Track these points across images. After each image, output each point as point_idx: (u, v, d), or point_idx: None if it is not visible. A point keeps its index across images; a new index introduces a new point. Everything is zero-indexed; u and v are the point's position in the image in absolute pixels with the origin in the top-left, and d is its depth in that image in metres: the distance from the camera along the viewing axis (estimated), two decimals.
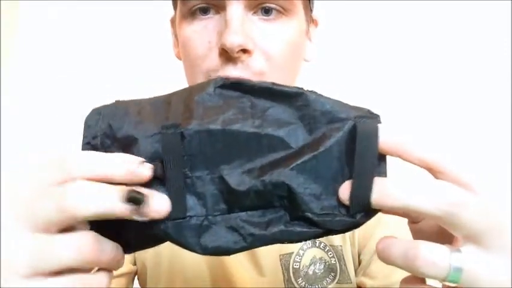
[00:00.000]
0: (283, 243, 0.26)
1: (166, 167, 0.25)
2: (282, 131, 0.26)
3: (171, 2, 0.51)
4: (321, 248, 0.51)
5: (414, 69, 1.11)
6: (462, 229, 0.24)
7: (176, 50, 0.52)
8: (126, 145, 0.27)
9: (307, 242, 0.52)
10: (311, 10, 0.49)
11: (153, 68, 1.17)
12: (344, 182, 0.26)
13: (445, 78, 1.09)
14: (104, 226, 0.25)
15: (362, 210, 0.25)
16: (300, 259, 0.51)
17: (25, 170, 0.26)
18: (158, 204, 0.25)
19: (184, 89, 0.29)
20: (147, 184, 0.25)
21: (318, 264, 0.51)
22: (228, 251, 0.26)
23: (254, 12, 0.42)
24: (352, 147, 0.25)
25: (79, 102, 1.22)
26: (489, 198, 0.25)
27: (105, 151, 0.26)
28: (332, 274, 0.50)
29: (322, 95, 0.27)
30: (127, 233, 0.27)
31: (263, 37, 0.42)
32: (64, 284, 0.24)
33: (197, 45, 0.43)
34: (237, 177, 0.26)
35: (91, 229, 0.25)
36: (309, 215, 0.25)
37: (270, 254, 0.52)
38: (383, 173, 0.25)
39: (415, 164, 0.26)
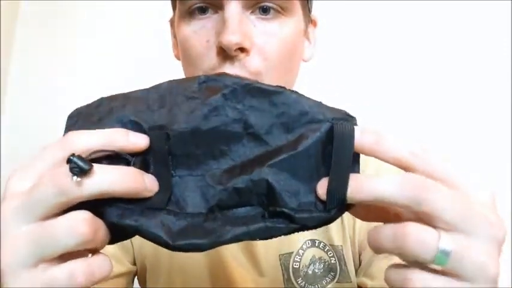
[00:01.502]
0: (258, 239, 0.27)
1: (154, 163, 0.27)
2: (262, 130, 0.27)
3: (169, 2, 0.51)
4: (320, 248, 0.52)
5: (414, 69, 1.11)
6: (437, 218, 0.24)
7: (176, 50, 0.52)
8: None
9: (307, 241, 0.52)
10: (309, 10, 0.49)
11: (153, 67, 1.17)
12: (321, 180, 0.27)
13: (444, 77, 1.09)
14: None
15: (337, 205, 0.26)
16: (300, 259, 0.51)
17: (24, 162, 0.26)
18: (151, 182, 0.26)
19: (170, 84, 0.30)
20: None
21: (317, 264, 0.51)
22: (200, 248, 0.26)
23: (252, 12, 0.42)
24: (329, 148, 0.26)
25: (79, 102, 1.22)
26: (468, 191, 0.25)
27: None
28: (332, 274, 0.50)
29: (302, 95, 0.28)
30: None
31: (261, 36, 0.42)
32: (71, 270, 0.24)
33: (195, 44, 0.43)
34: (217, 177, 0.27)
35: None
36: (287, 210, 0.26)
37: (269, 253, 0.52)
38: (357, 172, 0.27)
39: (390, 163, 0.26)
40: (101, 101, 0.30)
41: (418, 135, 1.06)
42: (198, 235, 0.26)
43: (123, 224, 0.26)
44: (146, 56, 1.17)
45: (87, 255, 0.26)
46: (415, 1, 1.11)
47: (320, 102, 0.28)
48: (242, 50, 0.40)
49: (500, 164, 1.06)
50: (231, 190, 0.26)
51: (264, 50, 0.42)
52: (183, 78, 0.30)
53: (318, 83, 0.99)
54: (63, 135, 0.28)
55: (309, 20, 0.50)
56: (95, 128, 0.27)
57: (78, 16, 1.26)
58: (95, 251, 0.26)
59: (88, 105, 0.30)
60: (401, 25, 1.12)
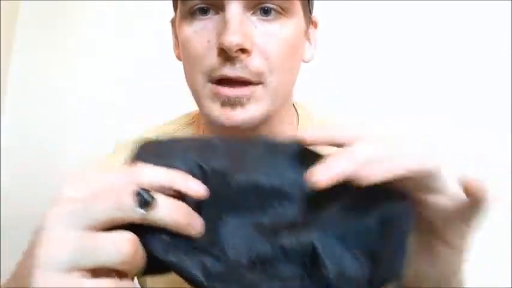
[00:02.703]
0: None
1: (207, 204, 0.27)
2: (318, 197, 0.27)
3: (170, 2, 0.51)
4: None
5: (414, 69, 1.11)
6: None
7: (177, 51, 0.52)
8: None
9: None
10: (310, 11, 0.49)
11: (153, 67, 1.17)
12: (366, 252, 0.26)
13: (444, 77, 1.09)
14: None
15: (383, 285, 0.26)
16: None
17: (83, 172, 0.27)
18: (198, 222, 0.27)
19: (231, 134, 0.30)
20: None
21: None
22: None
23: (253, 13, 0.42)
24: (384, 225, 0.26)
25: (78, 102, 1.22)
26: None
27: None
28: None
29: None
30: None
31: (262, 37, 0.42)
32: (101, 285, 0.24)
33: (196, 44, 0.43)
34: (264, 229, 0.27)
35: None
36: (328, 278, 0.26)
37: None
38: (408, 252, 0.26)
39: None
40: (172, 139, 0.31)
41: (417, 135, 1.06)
42: (234, 283, 0.26)
43: (166, 260, 0.26)
44: (146, 56, 1.17)
45: (114, 278, 0.26)
46: (414, 1, 1.11)
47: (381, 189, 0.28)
48: (243, 51, 0.40)
49: (501, 164, 1.06)
50: (276, 246, 0.26)
51: (265, 50, 0.42)
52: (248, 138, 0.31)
53: (317, 83, 0.99)
54: (131, 161, 0.29)
55: (309, 21, 0.50)
56: (162, 165, 0.28)
57: (78, 16, 1.26)
58: (124, 276, 0.26)
59: (159, 141, 0.31)
60: (401, 26, 1.12)
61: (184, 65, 0.47)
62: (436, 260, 0.32)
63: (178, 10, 0.46)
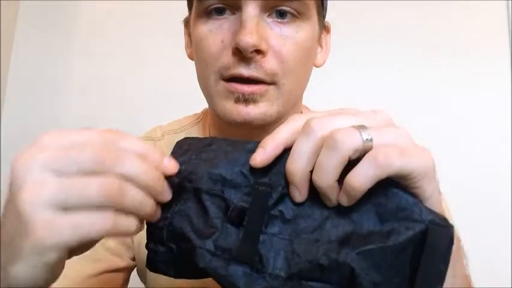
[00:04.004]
0: None
1: (250, 215, 0.28)
2: (355, 211, 0.27)
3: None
4: None
5: (414, 70, 1.11)
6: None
7: (189, 50, 0.52)
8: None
9: None
10: (324, 16, 0.50)
11: (153, 67, 1.17)
12: (404, 280, 0.26)
13: (444, 77, 1.10)
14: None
15: None
16: None
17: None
18: (167, 191, 0.29)
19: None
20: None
21: None
22: None
23: (269, 15, 0.42)
24: (420, 250, 0.26)
25: (78, 102, 1.22)
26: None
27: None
28: None
29: (401, 191, 0.27)
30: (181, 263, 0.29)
31: (277, 39, 0.42)
32: (94, 218, 0.25)
33: (210, 43, 0.43)
34: (305, 246, 0.27)
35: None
36: None
37: None
38: (443, 278, 0.26)
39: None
40: (213, 141, 0.31)
41: (418, 136, 1.06)
42: None
43: (209, 267, 0.27)
44: (146, 56, 1.17)
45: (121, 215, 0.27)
46: (413, 1, 1.11)
47: (418, 201, 0.27)
48: (258, 52, 0.41)
49: (501, 163, 1.06)
50: (314, 264, 0.26)
51: (280, 52, 0.42)
52: None
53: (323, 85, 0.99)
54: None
55: (323, 26, 0.50)
56: (204, 166, 0.29)
57: (78, 16, 1.26)
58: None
59: (199, 140, 0.31)
60: (401, 26, 1.12)
61: (196, 63, 0.48)
62: None
63: (193, 9, 0.46)
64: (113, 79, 1.20)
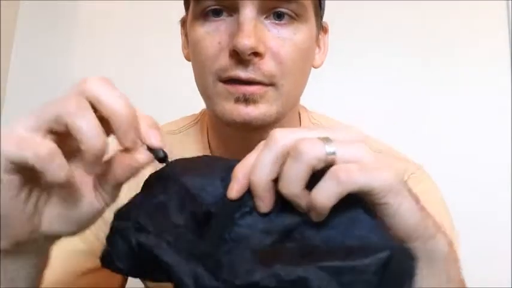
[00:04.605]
0: None
1: (216, 219, 0.28)
2: (322, 226, 0.27)
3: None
4: None
5: (414, 70, 1.11)
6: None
7: (186, 51, 0.52)
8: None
9: None
10: (321, 17, 0.50)
11: (153, 67, 1.17)
12: None
13: (443, 77, 1.10)
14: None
15: None
16: None
17: None
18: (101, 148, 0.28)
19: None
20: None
21: None
22: None
23: (266, 17, 0.42)
24: (381, 276, 0.25)
25: None
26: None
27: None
28: None
29: (370, 216, 0.27)
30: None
31: (275, 41, 0.42)
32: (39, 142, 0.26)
33: (207, 45, 0.43)
34: (264, 255, 0.26)
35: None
36: None
37: None
38: None
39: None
40: (203, 158, 0.32)
41: (418, 136, 1.06)
42: None
43: (163, 259, 0.26)
44: (146, 56, 1.17)
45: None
46: (413, 1, 1.11)
47: (380, 223, 0.27)
48: (256, 54, 0.41)
49: (501, 163, 1.06)
50: (271, 274, 0.26)
51: (278, 54, 0.42)
52: None
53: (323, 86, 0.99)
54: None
55: (320, 27, 0.50)
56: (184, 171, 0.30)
57: (78, 16, 1.26)
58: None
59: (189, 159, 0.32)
60: (400, 26, 1.12)
61: (193, 65, 0.48)
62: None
63: (190, 10, 0.46)
64: (113, 79, 1.19)
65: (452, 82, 1.09)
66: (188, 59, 0.50)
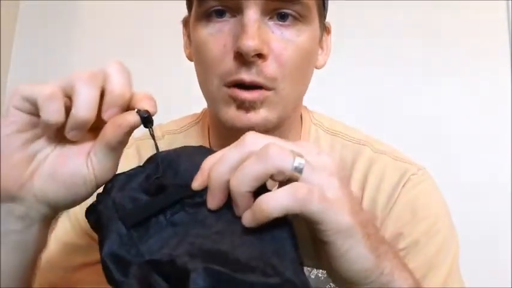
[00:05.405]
0: None
1: (165, 194, 0.29)
2: (245, 236, 0.27)
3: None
4: None
5: (413, 70, 1.11)
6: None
7: (188, 51, 0.52)
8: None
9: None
10: (325, 18, 0.50)
11: (153, 67, 1.17)
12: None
13: (443, 77, 1.10)
14: None
15: None
16: None
17: None
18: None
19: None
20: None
21: (321, 269, 0.50)
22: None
23: (270, 18, 0.42)
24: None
25: None
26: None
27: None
28: None
29: (291, 242, 0.27)
30: None
31: (278, 42, 0.42)
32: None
33: (212, 48, 0.43)
34: (177, 243, 0.27)
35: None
36: None
37: None
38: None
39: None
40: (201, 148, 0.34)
41: (418, 136, 1.06)
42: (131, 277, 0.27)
43: (103, 214, 0.29)
44: (146, 56, 1.17)
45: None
46: (413, 1, 1.11)
47: (296, 258, 0.27)
48: (259, 55, 0.41)
49: (501, 163, 1.06)
50: (168, 260, 0.26)
51: (281, 56, 0.42)
52: None
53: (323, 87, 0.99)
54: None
55: (324, 28, 0.50)
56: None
57: (78, 16, 1.26)
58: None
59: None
60: (400, 26, 1.12)
61: (197, 67, 0.47)
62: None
63: (193, 11, 0.46)
64: None
65: (452, 82, 1.09)
66: (190, 59, 0.50)
